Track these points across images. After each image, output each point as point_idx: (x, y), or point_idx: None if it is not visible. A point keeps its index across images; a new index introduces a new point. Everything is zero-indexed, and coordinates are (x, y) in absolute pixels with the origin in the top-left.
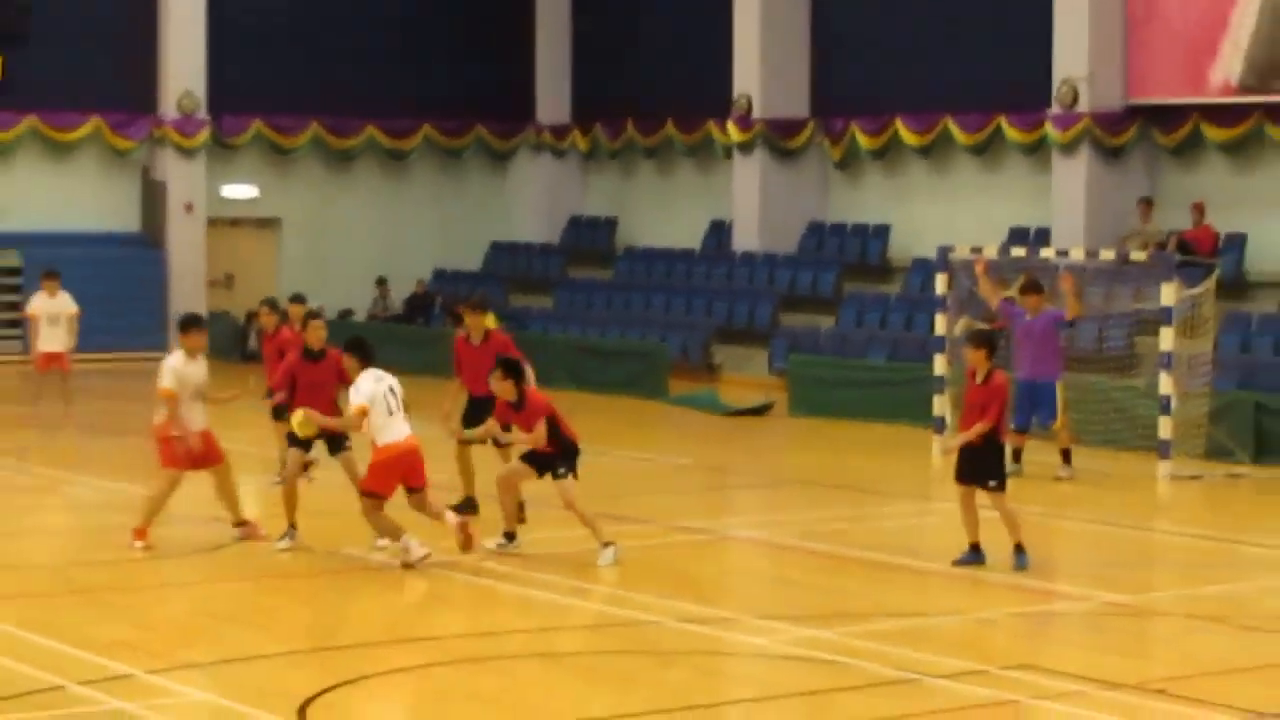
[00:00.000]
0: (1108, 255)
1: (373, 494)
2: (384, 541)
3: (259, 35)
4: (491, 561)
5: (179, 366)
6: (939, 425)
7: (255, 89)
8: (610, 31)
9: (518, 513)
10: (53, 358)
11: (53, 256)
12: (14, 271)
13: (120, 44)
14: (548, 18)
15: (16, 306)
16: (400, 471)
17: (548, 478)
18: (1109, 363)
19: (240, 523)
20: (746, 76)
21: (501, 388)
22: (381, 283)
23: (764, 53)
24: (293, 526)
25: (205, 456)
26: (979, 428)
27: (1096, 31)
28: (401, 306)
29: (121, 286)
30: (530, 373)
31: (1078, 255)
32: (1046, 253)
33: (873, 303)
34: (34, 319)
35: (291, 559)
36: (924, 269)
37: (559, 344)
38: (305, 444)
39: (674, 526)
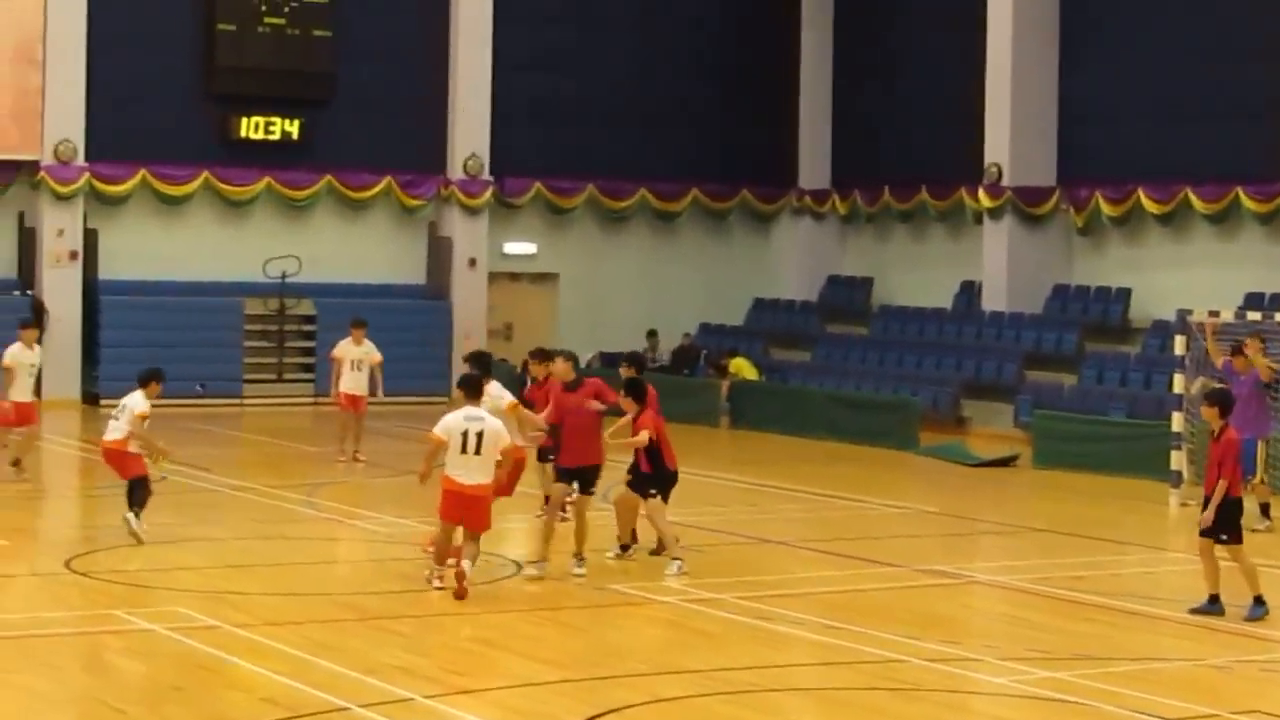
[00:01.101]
0: None
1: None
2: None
3: (540, 103)
4: (746, 600)
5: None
6: (1175, 479)
7: (535, 153)
8: (868, 102)
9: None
10: (353, 399)
11: (345, 307)
12: (309, 319)
13: (412, 109)
14: (810, 88)
15: (310, 352)
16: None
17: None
18: None
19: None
20: (997, 146)
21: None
22: (651, 335)
23: (1014, 123)
24: (544, 560)
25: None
26: (1220, 488)
27: None
28: (668, 358)
29: (408, 335)
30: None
31: None
32: None
33: (1113, 362)
34: (338, 362)
35: (561, 591)
36: (1162, 331)
37: (816, 396)
38: (570, 478)
39: (921, 570)
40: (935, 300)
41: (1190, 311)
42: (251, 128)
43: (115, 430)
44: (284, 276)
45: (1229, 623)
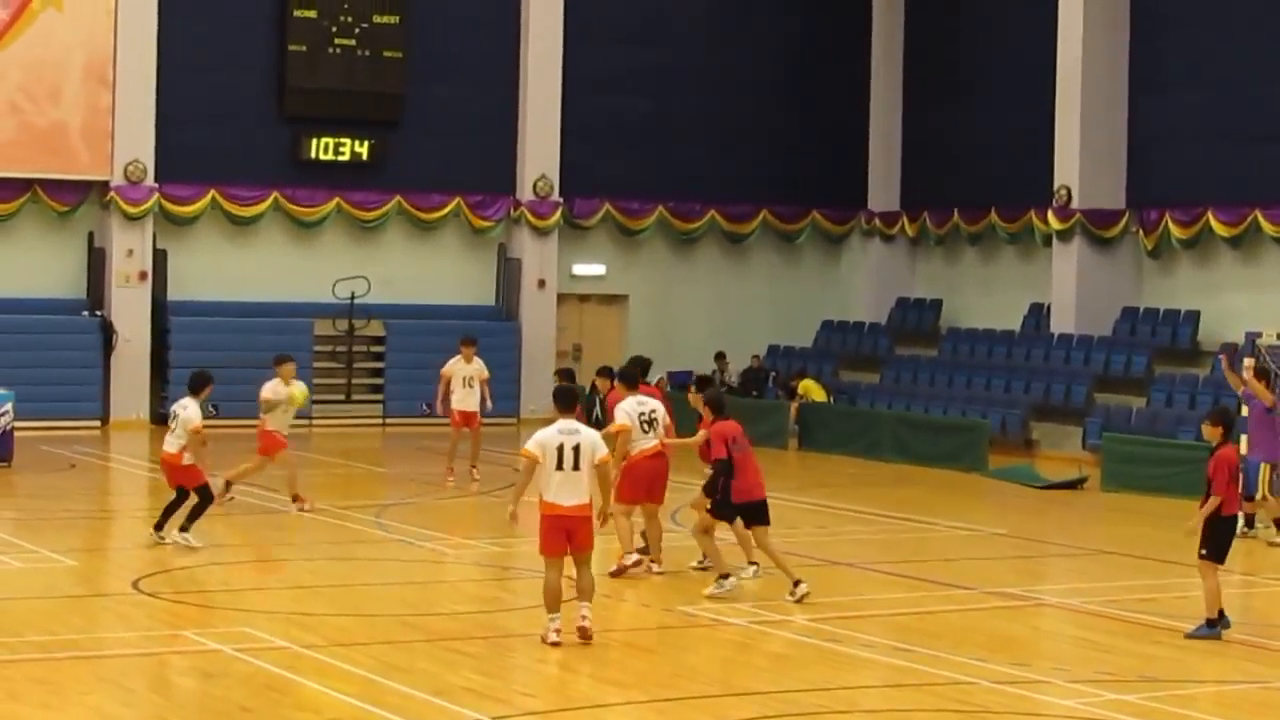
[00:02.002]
0: None
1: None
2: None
3: (609, 124)
4: (815, 622)
5: None
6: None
7: (605, 174)
8: (938, 124)
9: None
10: (467, 416)
11: (414, 328)
12: (379, 340)
13: (482, 130)
14: (880, 110)
15: (379, 373)
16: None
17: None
18: None
19: None
20: (1066, 168)
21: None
22: (720, 357)
23: (1083, 146)
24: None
25: None
26: (1209, 504)
27: None
28: (737, 379)
29: (479, 355)
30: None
31: None
32: None
33: (1182, 384)
34: (446, 379)
35: (630, 613)
36: (1233, 354)
37: (886, 418)
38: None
39: (991, 592)
40: (1004, 322)
41: (1259, 334)
42: (321, 149)
43: (171, 443)
44: (353, 297)
45: None
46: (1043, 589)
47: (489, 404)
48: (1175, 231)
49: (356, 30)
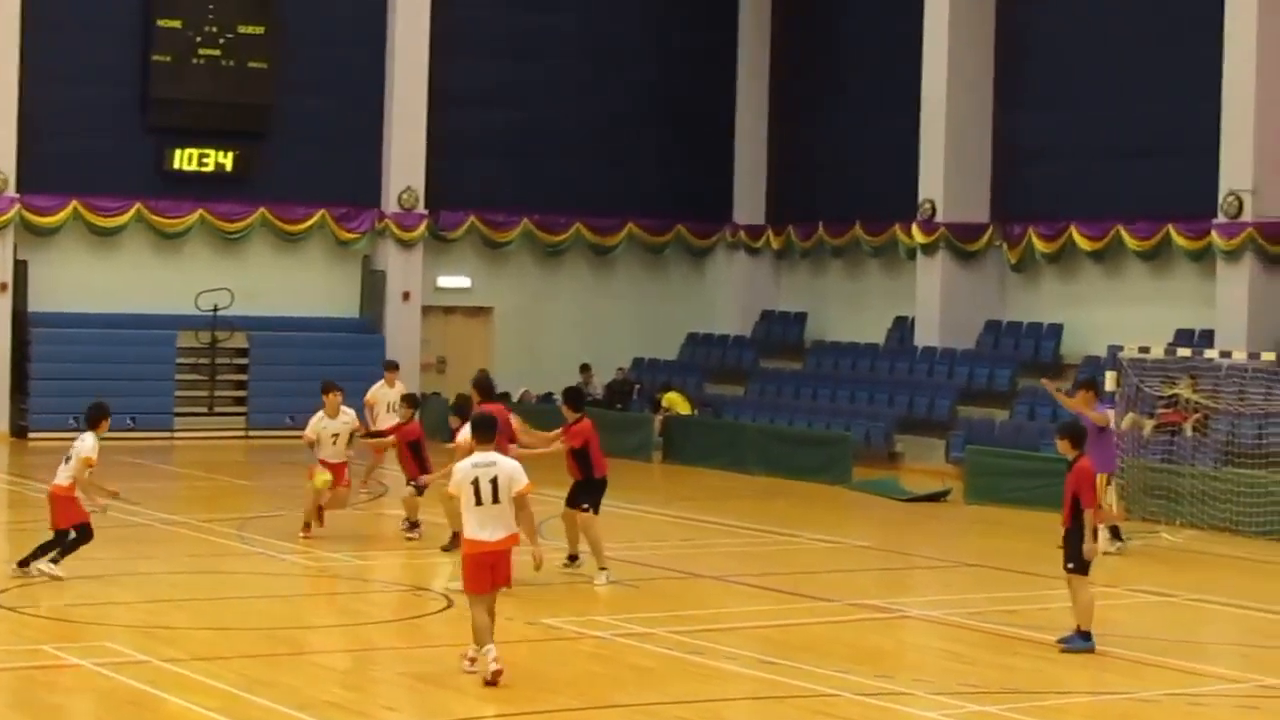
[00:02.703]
0: (1269, 357)
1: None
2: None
3: (475, 136)
4: (679, 634)
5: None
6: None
7: (471, 186)
8: (804, 139)
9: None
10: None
11: (278, 340)
12: (242, 352)
13: (348, 142)
14: (746, 125)
15: (243, 385)
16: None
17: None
18: (1268, 458)
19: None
20: (931, 182)
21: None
22: (585, 369)
23: (948, 160)
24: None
25: None
26: (1088, 520)
27: (1262, 146)
28: (602, 392)
29: (341, 369)
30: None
31: (1240, 356)
32: (1210, 354)
33: (1046, 398)
34: (372, 406)
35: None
36: (1094, 367)
37: (751, 431)
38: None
39: (855, 604)
40: (869, 336)
41: (1122, 348)
42: (185, 160)
43: (63, 475)
44: (216, 309)
45: (1157, 655)
46: (906, 601)
47: None
48: (1039, 245)
49: (221, 40)
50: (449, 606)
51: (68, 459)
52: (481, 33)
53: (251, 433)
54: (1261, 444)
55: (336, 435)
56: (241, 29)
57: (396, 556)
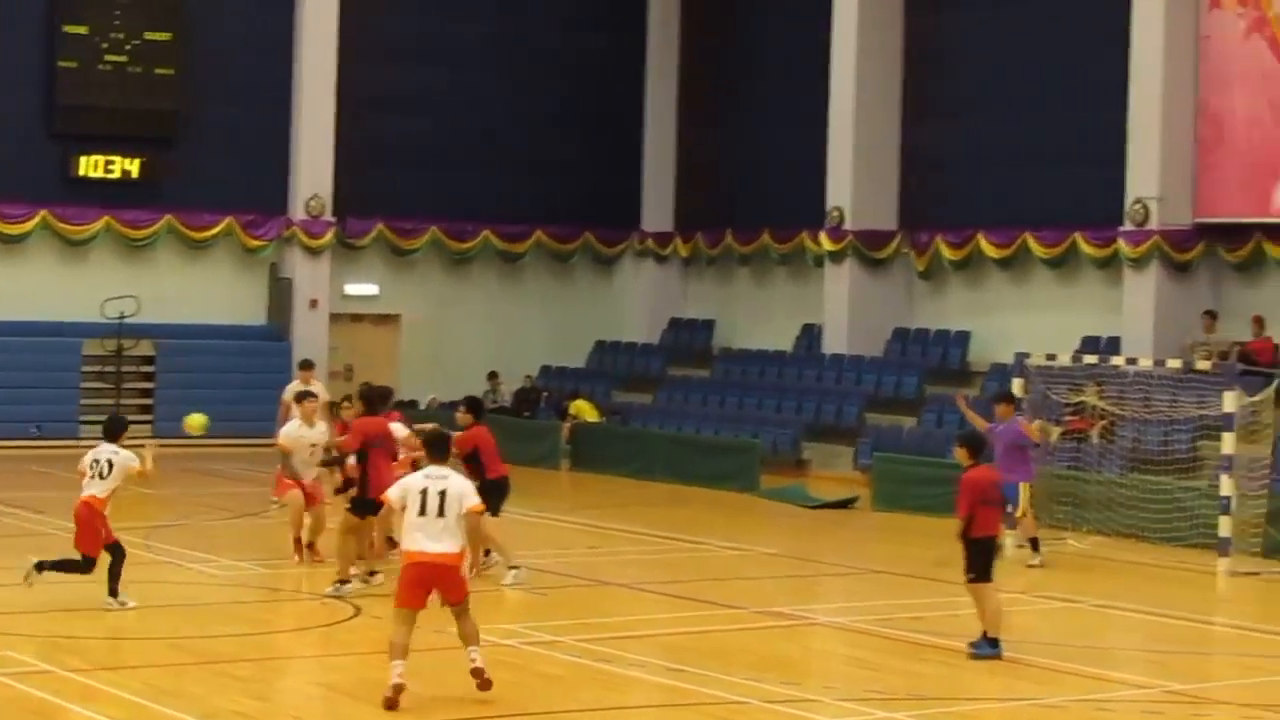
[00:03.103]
0: (1174, 364)
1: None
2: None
3: (384, 143)
4: (587, 642)
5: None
6: (1011, 521)
7: (379, 193)
8: (712, 146)
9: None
10: None
11: (185, 348)
12: (149, 360)
13: (255, 149)
14: (654, 132)
15: (149, 394)
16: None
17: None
18: (1173, 465)
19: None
20: (839, 190)
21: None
22: (492, 376)
23: (856, 168)
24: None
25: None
26: (957, 526)
27: (1168, 154)
28: (510, 399)
29: (249, 376)
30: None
31: (1146, 364)
32: (1116, 360)
33: (953, 405)
34: (287, 405)
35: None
36: (1001, 374)
37: (659, 439)
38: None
39: (762, 611)
40: (777, 343)
41: (1029, 355)
42: (92, 166)
43: (99, 487)
44: (122, 317)
45: (1063, 662)
46: (814, 608)
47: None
48: (946, 253)
49: (128, 46)
50: (357, 615)
51: (99, 474)
52: (390, 39)
53: (164, 441)
54: (1167, 450)
55: (315, 446)
56: (149, 35)
57: (305, 565)
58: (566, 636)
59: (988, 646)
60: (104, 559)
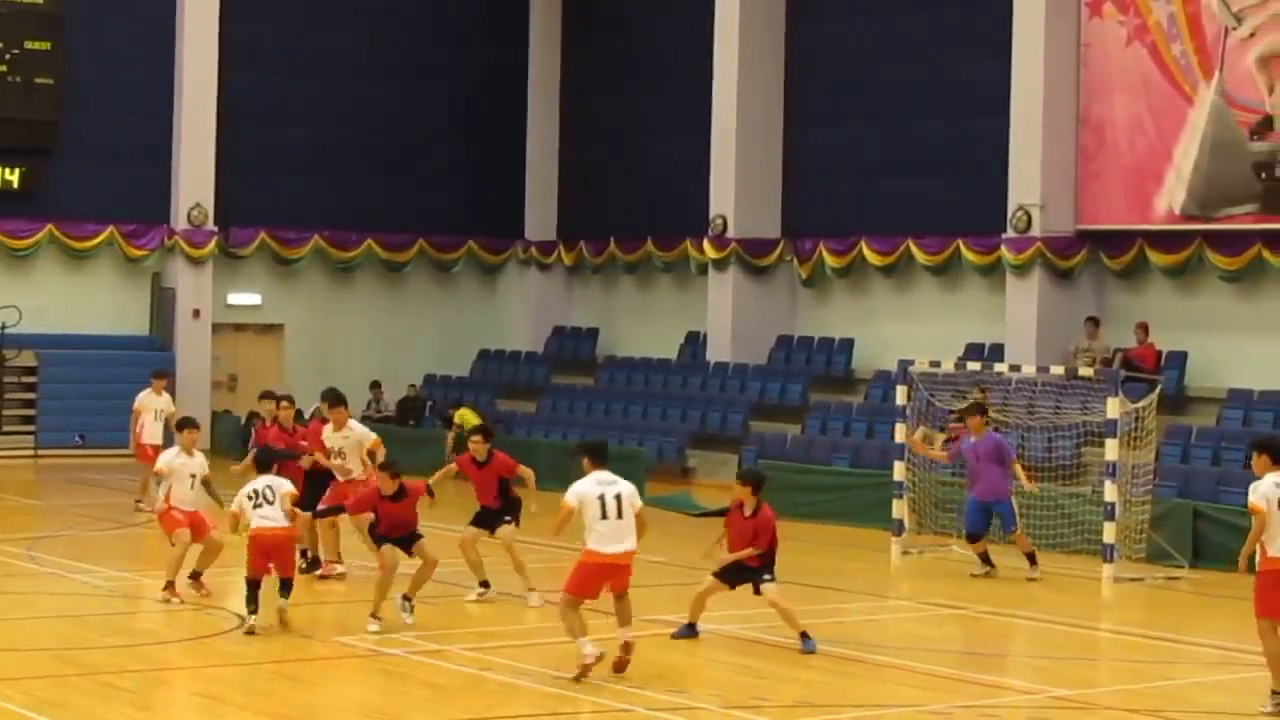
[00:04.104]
0: (1057, 371)
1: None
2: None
3: (266, 153)
4: (473, 651)
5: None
6: (898, 528)
7: (261, 203)
8: (595, 155)
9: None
10: (158, 450)
11: (67, 358)
12: (30, 371)
13: (137, 159)
14: (537, 141)
15: (31, 404)
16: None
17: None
18: (1057, 471)
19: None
20: (722, 199)
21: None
22: (376, 385)
23: (739, 177)
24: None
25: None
26: (749, 551)
27: (1050, 162)
28: (394, 409)
29: (131, 386)
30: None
31: (1029, 370)
32: (1000, 367)
33: (837, 412)
34: (139, 413)
35: (288, 645)
36: (885, 381)
37: (543, 447)
38: None
39: (648, 620)
40: (661, 351)
41: (912, 362)
42: None
43: (277, 515)
44: (4, 327)
45: (949, 669)
46: (700, 616)
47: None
48: (830, 260)
49: (7, 56)
50: (239, 626)
51: (265, 500)
52: (272, 49)
53: (40, 452)
54: (1051, 457)
55: (194, 476)
56: (28, 44)
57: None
58: (453, 646)
59: (809, 641)
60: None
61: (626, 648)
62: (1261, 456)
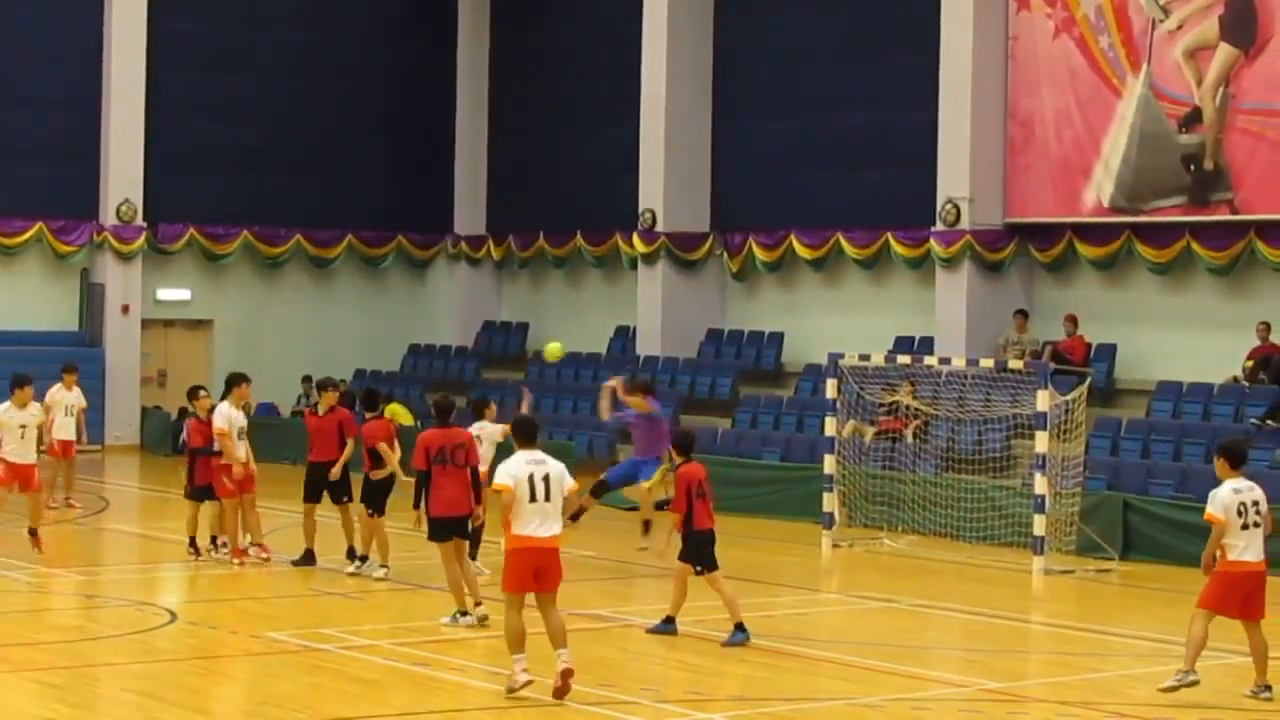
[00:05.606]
0: (987, 363)
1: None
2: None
3: (195, 149)
4: (404, 646)
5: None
6: (828, 521)
7: (190, 199)
8: (524, 149)
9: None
10: (65, 445)
11: None
12: None
13: (65, 155)
14: (466, 135)
15: None
16: None
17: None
18: (987, 464)
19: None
20: (651, 193)
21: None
22: (307, 380)
23: (667, 171)
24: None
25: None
26: (674, 518)
27: (978, 155)
28: None
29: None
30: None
31: (959, 363)
32: (930, 360)
33: (767, 405)
34: (49, 408)
35: (218, 641)
36: (815, 375)
37: None
38: None
39: (579, 614)
40: (591, 345)
41: (842, 356)
42: None
43: None
44: None
45: (880, 661)
46: (630, 610)
47: (84, 434)
48: (759, 254)
49: None
50: (172, 621)
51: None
52: (199, 46)
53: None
54: (981, 450)
55: (24, 427)
56: None
57: (119, 571)
58: (384, 640)
59: (739, 634)
60: None
61: (565, 675)
62: (1220, 460)
